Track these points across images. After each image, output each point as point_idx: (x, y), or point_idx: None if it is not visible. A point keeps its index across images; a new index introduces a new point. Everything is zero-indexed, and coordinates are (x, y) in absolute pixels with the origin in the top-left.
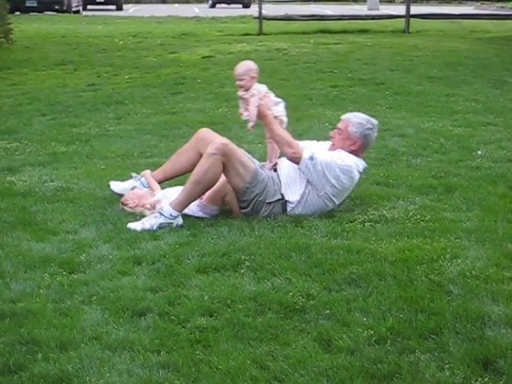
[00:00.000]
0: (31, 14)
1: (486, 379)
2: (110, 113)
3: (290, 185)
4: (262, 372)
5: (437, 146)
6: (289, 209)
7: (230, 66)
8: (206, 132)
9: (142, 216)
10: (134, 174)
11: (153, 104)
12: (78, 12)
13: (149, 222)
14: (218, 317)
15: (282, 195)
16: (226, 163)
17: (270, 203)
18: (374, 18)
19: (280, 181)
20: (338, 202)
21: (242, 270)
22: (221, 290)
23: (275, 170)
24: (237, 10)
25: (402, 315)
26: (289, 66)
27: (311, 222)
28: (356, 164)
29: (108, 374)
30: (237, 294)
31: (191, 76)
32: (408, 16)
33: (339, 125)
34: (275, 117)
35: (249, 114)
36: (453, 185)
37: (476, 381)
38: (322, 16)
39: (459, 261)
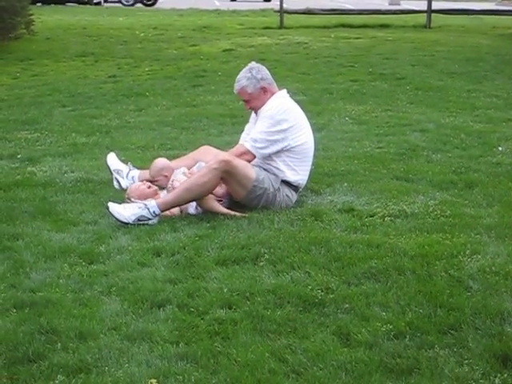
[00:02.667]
0: (52, 5)
1: (506, 375)
2: (130, 104)
3: (272, 168)
4: (281, 365)
5: (457, 141)
6: (294, 183)
7: (251, 59)
8: (207, 148)
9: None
10: (129, 163)
11: (173, 96)
12: (99, 4)
13: (130, 211)
14: (237, 309)
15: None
16: (227, 178)
17: (278, 189)
18: (395, 12)
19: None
20: (306, 138)
21: (262, 263)
22: (240, 282)
23: None
24: (258, 4)
25: (421, 310)
26: (309, 60)
27: (331, 216)
28: (279, 99)
29: (127, 365)
30: (256, 287)
31: (212, 69)
32: (429, 11)
33: (242, 98)
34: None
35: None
36: (473, 180)
37: (495, 377)
38: (343, 10)
39: (479, 256)
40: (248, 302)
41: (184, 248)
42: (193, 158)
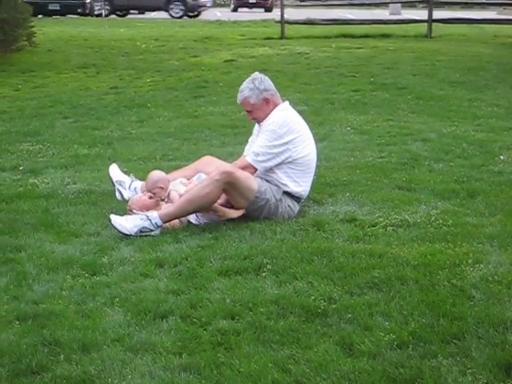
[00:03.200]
0: (54, 17)
1: None
2: (132, 116)
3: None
4: (284, 375)
5: (459, 150)
6: (296, 194)
7: (252, 69)
8: (210, 158)
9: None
10: (131, 174)
11: (175, 107)
12: (100, 15)
13: (132, 222)
14: (240, 320)
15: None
16: (229, 189)
17: (280, 199)
18: (396, 22)
19: (273, 178)
20: (309, 151)
21: (264, 274)
22: (243, 293)
23: None
24: (259, 14)
25: (424, 320)
26: (311, 70)
27: (333, 226)
28: (282, 112)
29: (130, 376)
30: (259, 297)
31: (213, 79)
32: (430, 21)
33: (245, 108)
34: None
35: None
36: (475, 190)
37: None
38: (344, 20)
39: (481, 266)
40: (251, 313)
41: (186, 259)
42: (195, 168)
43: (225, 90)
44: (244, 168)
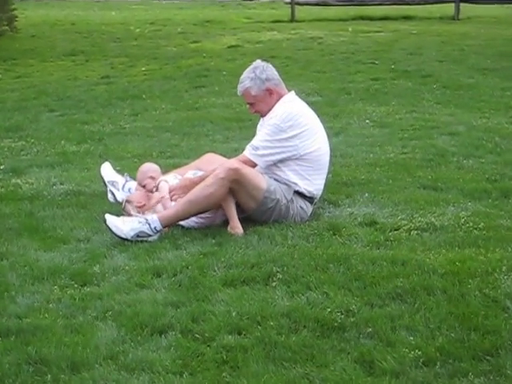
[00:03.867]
0: None
1: None
2: (125, 108)
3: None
4: None
5: (491, 145)
6: (308, 194)
7: (260, 56)
8: (212, 156)
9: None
10: (125, 174)
11: (173, 99)
12: None
13: (129, 225)
14: (248, 335)
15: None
16: (236, 188)
17: (291, 199)
18: (419, 3)
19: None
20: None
21: (274, 283)
22: (250, 305)
23: None
24: None
25: (452, 334)
26: (324, 57)
27: (351, 230)
28: (286, 103)
29: None
30: (268, 310)
31: (216, 68)
32: (458, 1)
33: (246, 100)
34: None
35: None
36: (509, 189)
37: None
38: (362, 1)
39: None
40: (259, 327)
41: (187, 267)
42: (195, 167)
43: (229, 79)
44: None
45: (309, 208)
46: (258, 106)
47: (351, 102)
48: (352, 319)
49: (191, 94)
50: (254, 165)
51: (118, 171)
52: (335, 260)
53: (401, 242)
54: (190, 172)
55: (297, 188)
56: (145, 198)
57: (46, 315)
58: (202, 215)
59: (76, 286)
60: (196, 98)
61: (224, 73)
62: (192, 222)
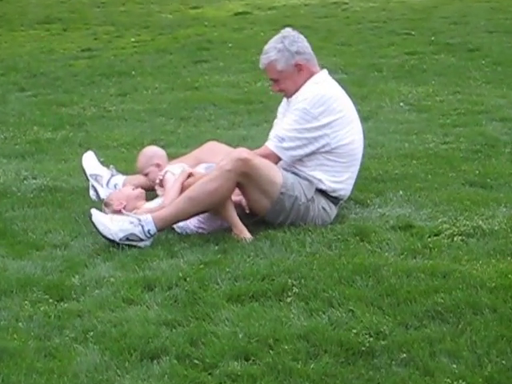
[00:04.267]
0: None
1: None
2: (111, 88)
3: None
4: None
5: None
6: (334, 194)
7: (272, 26)
8: (215, 145)
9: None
10: (112, 167)
11: (168, 76)
12: None
13: (118, 225)
14: (257, 361)
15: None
16: (245, 183)
17: (312, 199)
18: None
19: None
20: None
21: (289, 299)
22: (260, 325)
23: None
24: None
25: (504, 361)
26: (350, 26)
27: (381, 235)
28: (318, 85)
29: None
30: (282, 331)
31: (220, 39)
32: None
33: (270, 76)
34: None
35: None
36: None
37: None
38: None
39: None
40: (271, 352)
41: (185, 279)
42: (195, 157)
43: (235, 52)
44: (265, 157)
45: (333, 210)
46: (284, 83)
47: (382, 80)
48: (383, 343)
49: (190, 71)
50: (278, 159)
51: (103, 163)
52: (363, 271)
53: (442, 249)
54: (201, 165)
55: (320, 186)
56: (129, 197)
57: (15, 336)
58: (202, 218)
59: (51, 300)
60: (196, 76)
61: (230, 45)
62: (190, 225)
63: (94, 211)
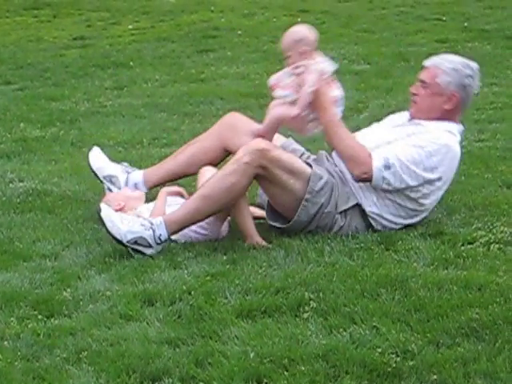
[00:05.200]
0: None
1: None
2: (106, 80)
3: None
4: None
5: None
6: (368, 209)
7: (286, 11)
8: (237, 118)
9: None
10: (125, 164)
11: (170, 67)
12: None
13: (128, 225)
14: (271, 383)
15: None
16: (266, 177)
17: (344, 212)
18: None
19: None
20: (438, 196)
21: (306, 314)
22: (274, 343)
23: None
24: None
25: None
26: (374, 11)
27: (409, 244)
28: (451, 136)
29: None
30: (298, 350)
31: (228, 26)
32: None
33: (423, 75)
34: None
35: (295, 95)
36: None
37: None
38: None
39: None
40: (286, 373)
41: (189, 293)
42: (214, 136)
43: (245, 41)
44: (357, 159)
45: (363, 229)
46: (425, 96)
47: (410, 71)
48: (411, 363)
49: (195, 61)
50: (369, 178)
51: (113, 159)
52: (388, 283)
53: (477, 259)
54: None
55: (365, 207)
56: (128, 198)
57: (0, 356)
58: (205, 224)
59: (40, 317)
60: (201, 67)
61: (239, 32)
62: (189, 232)
63: (103, 206)
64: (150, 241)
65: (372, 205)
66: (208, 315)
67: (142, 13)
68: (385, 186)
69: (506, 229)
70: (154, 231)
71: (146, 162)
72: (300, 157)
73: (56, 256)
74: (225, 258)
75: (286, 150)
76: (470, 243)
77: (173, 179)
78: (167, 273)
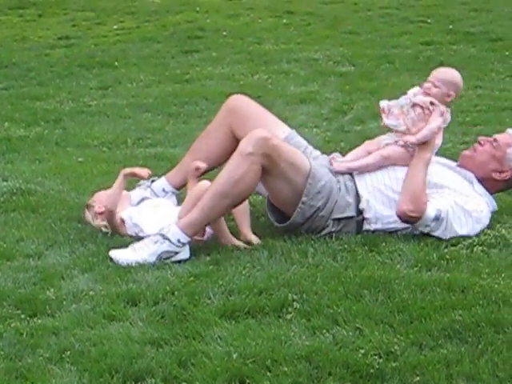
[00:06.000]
0: None
1: None
2: (91, 80)
3: (383, 203)
4: None
5: None
6: (365, 227)
7: (272, 12)
8: (240, 100)
9: (105, 233)
10: (140, 183)
11: (155, 67)
12: None
13: (144, 252)
14: None
15: (360, 211)
16: (268, 168)
17: (338, 220)
18: None
19: (358, 190)
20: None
21: (289, 316)
22: (257, 344)
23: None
24: None
25: None
26: (359, 13)
27: (393, 246)
28: (486, 207)
29: None
30: (281, 351)
31: (213, 26)
32: None
33: (499, 136)
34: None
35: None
36: None
37: None
38: None
39: None
40: (269, 374)
41: (173, 293)
42: (221, 123)
43: (230, 42)
44: (418, 200)
45: (350, 232)
46: (487, 153)
47: (395, 73)
48: (394, 364)
49: (180, 62)
50: (413, 219)
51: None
52: (372, 285)
53: (460, 261)
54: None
55: (369, 226)
56: (112, 199)
57: None
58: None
59: (23, 316)
60: (186, 67)
61: (224, 33)
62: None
63: (112, 253)
64: (172, 249)
65: (379, 223)
66: (191, 316)
67: (127, 13)
68: (424, 230)
69: (489, 231)
70: (169, 240)
71: (131, 162)
72: (303, 151)
73: (39, 255)
74: (208, 258)
75: (289, 142)
76: (453, 245)
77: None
78: (151, 273)
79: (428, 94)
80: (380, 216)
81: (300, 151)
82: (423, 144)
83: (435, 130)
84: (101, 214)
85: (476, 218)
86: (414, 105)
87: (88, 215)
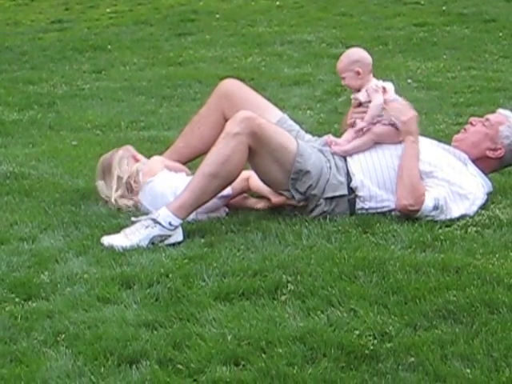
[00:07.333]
0: None
1: None
2: (84, 63)
3: (377, 183)
4: None
5: None
6: (358, 206)
7: None
8: (232, 84)
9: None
10: None
11: (148, 50)
12: None
13: (136, 236)
14: (248, 366)
15: (353, 189)
16: (256, 147)
17: (330, 199)
18: None
19: (349, 170)
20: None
21: (284, 297)
22: (251, 326)
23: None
24: None
25: None
26: None
27: (387, 226)
28: (481, 188)
29: None
30: (275, 333)
31: (206, 9)
32: None
33: (491, 115)
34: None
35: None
36: None
37: None
38: None
39: None
40: (263, 356)
41: (167, 276)
42: (213, 109)
43: (223, 24)
44: (414, 192)
45: (342, 213)
46: (479, 132)
47: (388, 55)
48: (388, 345)
49: (173, 45)
50: (412, 212)
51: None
52: (366, 266)
53: (454, 241)
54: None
55: (363, 203)
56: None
57: None
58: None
59: (17, 300)
60: (179, 50)
61: (217, 16)
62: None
63: (103, 239)
64: (164, 233)
65: (373, 201)
66: (186, 298)
67: None
68: (424, 219)
69: (483, 211)
70: (160, 223)
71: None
72: (296, 135)
73: (33, 239)
74: (202, 240)
75: (281, 127)
76: (447, 226)
77: (188, 162)
78: (145, 256)
79: (349, 86)
80: (374, 194)
81: (287, 132)
82: (409, 135)
83: (379, 104)
84: (136, 160)
85: (472, 199)
86: (359, 104)
87: (118, 155)
